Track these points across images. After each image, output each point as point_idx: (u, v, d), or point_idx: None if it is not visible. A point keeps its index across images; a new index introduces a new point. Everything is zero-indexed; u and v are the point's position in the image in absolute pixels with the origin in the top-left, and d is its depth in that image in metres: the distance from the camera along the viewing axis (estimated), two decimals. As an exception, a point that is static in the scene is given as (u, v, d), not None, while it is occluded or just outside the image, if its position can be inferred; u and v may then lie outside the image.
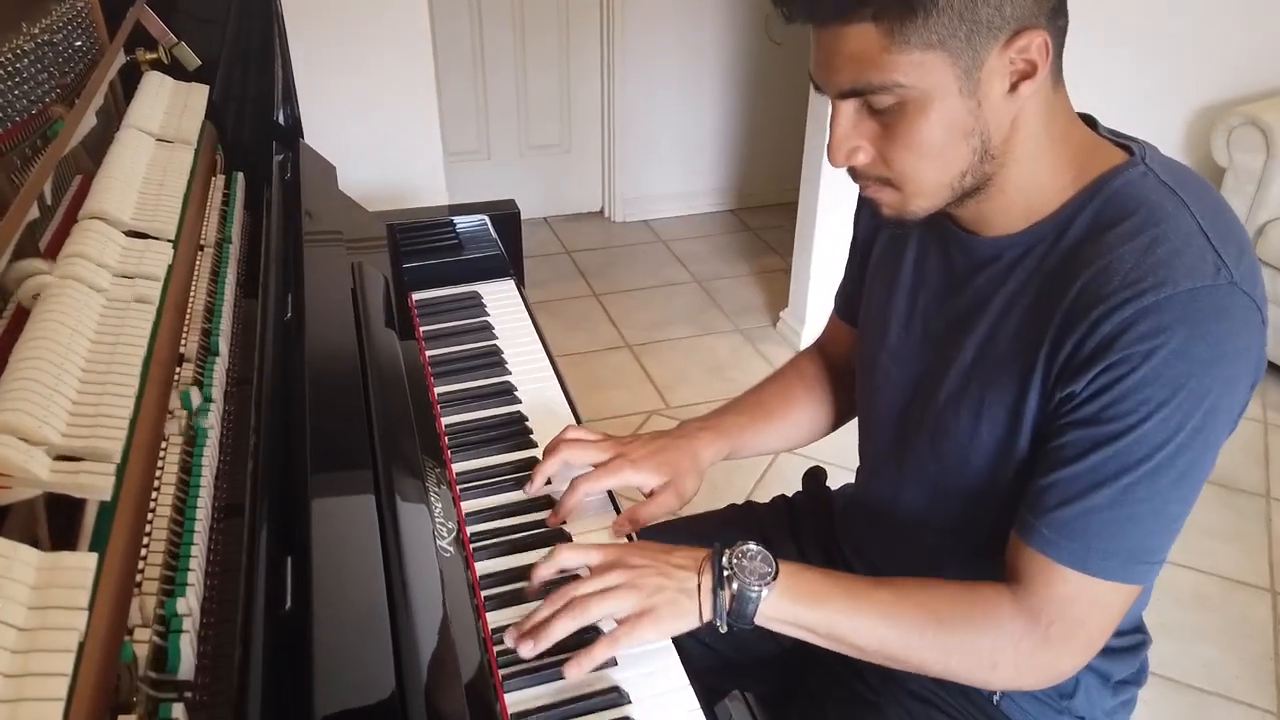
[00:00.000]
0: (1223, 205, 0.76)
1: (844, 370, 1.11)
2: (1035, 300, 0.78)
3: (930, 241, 0.89)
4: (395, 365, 0.93)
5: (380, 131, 2.05)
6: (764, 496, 1.22)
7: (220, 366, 0.80)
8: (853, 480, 1.10)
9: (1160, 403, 0.70)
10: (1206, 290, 0.69)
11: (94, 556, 0.46)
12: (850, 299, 1.06)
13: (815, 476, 1.19)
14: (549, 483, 0.96)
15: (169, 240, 0.80)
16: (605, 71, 3.28)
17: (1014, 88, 0.71)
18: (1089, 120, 0.81)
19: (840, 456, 1.23)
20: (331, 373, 0.83)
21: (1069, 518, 0.74)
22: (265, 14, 1.25)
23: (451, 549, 0.79)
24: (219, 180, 1.14)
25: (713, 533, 1.13)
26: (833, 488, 1.17)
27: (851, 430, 1.07)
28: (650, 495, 0.95)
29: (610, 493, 0.97)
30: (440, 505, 0.80)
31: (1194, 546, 2.01)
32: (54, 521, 0.57)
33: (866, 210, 1.00)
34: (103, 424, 0.56)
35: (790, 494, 1.19)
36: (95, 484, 0.50)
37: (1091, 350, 0.71)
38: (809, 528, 1.13)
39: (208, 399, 0.73)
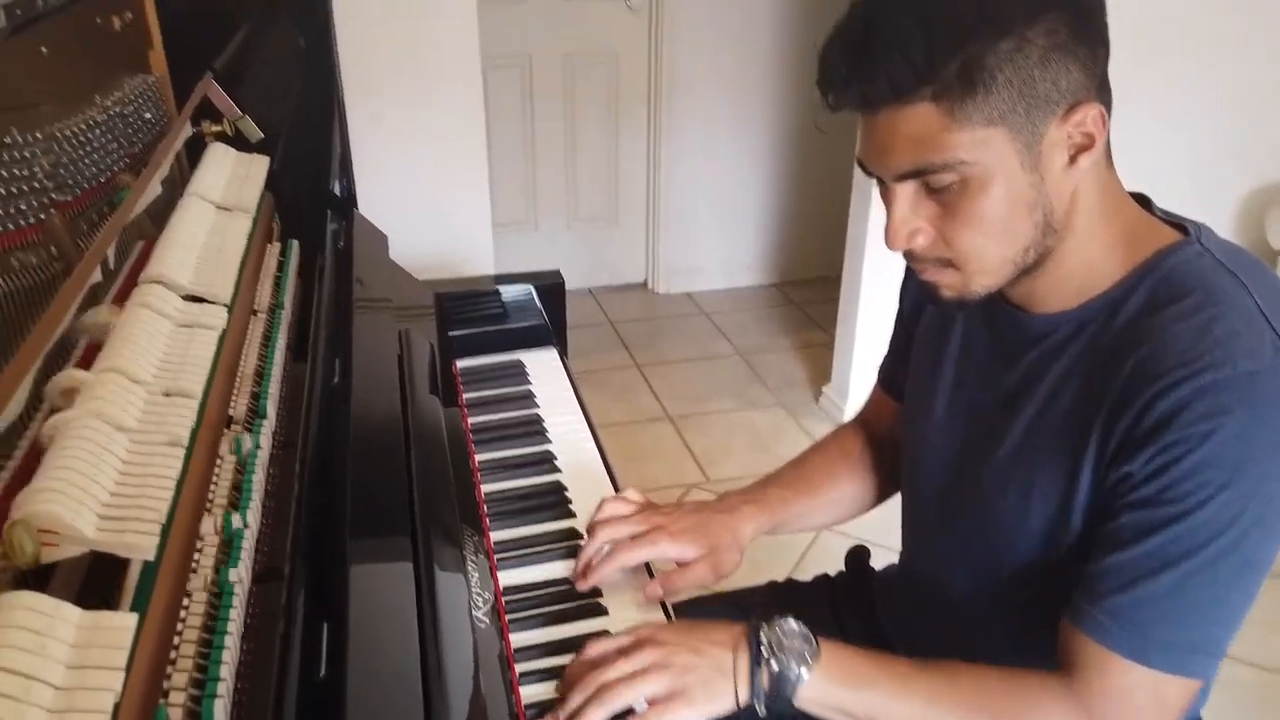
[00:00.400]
0: None
1: (887, 445, 1.09)
2: (1088, 378, 0.76)
3: (978, 315, 0.88)
4: (438, 432, 0.94)
5: (432, 203, 2.10)
6: (806, 575, 1.20)
7: (267, 429, 0.81)
8: (896, 560, 1.07)
9: (1220, 485, 0.68)
10: (1268, 373, 0.68)
11: (134, 617, 0.46)
12: (894, 372, 1.05)
13: (858, 556, 1.16)
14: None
15: (224, 305, 0.82)
16: (651, 146, 3.34)
17: (1073, 160, 0.71)
18: (1143, 200, 0.81)
19: (884, 536, 1.20)
20: (375, 439, 0.83)
21: (1126, 604, 0.71)
22: (326, 91, 1.30)
23: (486, 620, 0.78)
24: (274, 247, 1.18)
25: (752, 609, 1.10)
26: (876, 568, 1.15)
27: (896, 511, 1.05)
28: (686, 565, 0.93)
29: (648, 565, 0.96)
30: (477, 574, 0.79)
31: (1257, 641, 1.92)
32: (96, 579, 0.58)
33: (913, 282, 0.99)
34: (151, 484, 0.56)
35: (833, 573, 1.17)
36: (140, 543, 0.50)
37: (1148, 429, 0.69)
38: (851, 607, 1.10)
39: (257, 446, 0.73)
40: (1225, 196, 2.72)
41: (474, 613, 0.74)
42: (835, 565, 1.17)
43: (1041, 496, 0.79)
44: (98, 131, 0.88)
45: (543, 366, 1.34)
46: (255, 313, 1.01)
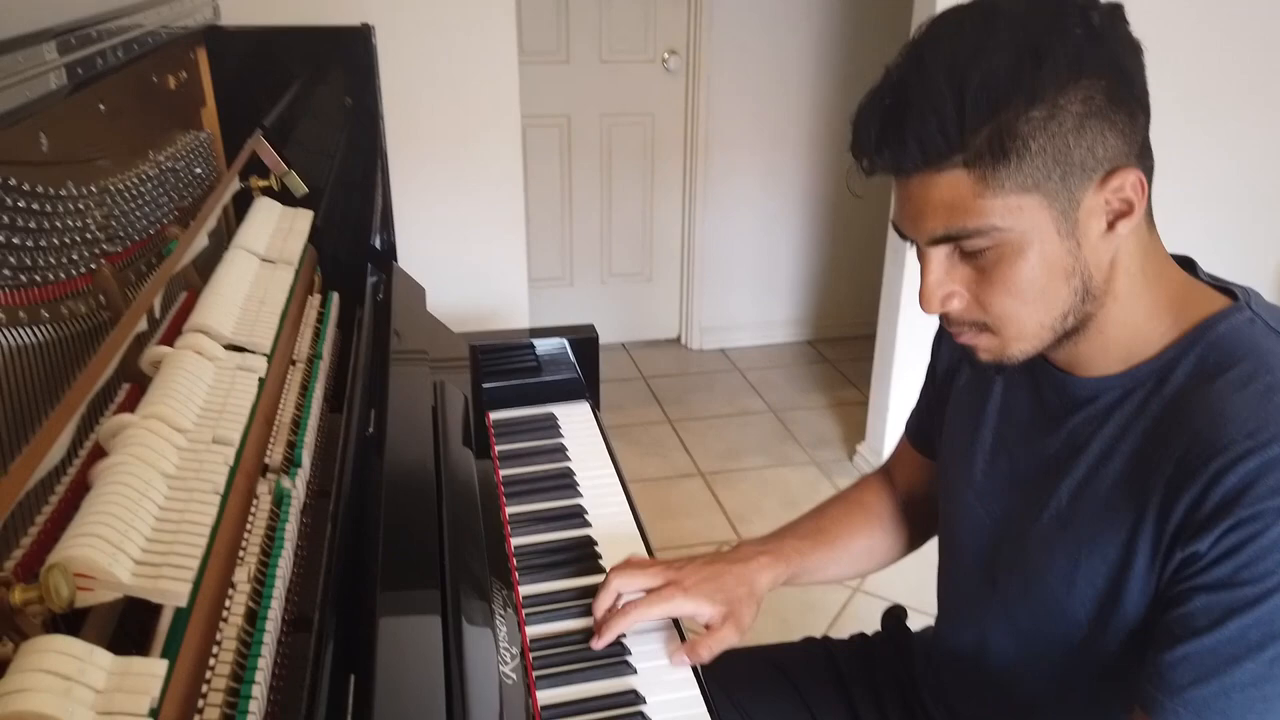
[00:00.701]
0: None
1: (910, 499, 1.08)
2: (1140, 448, 0.74)
3: (1020, 376, 0.86)
4: (470, 484, 0.94)
5: (471, 257, 2.13)
6: (839, 635, 1.17)
7: (301, 478, 0.82)
8: (932, 623, 1.05)
9: None
10: None
11: (163, 664, 0.46)
12: (924, 426, 1.04)
13: (895, 616, 1.14)
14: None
15: (264, 354, 0.83)
16: (686, 203, 3.38)
17: (1111, 226, 0.70)
18: (1188, 263, 0.80)
19: (920, 598, 1.18)
20: (407, 490, 0.83)
21: (1208, 696, 0.67)
22: (371, 149, 1.33)
23: (514, 675, 0.77)
24: (315, 299, 1.20)
25: (790, 666, 1.08)
26: (913, 629, 1.12)
27: (930, 571, 1.03)
28: (708, 628, 0.92)
29: (677, 622, 0.94)
30: (505, 629, 0.78)
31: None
32: (127, 623, 0.58)
33: (948, 340, 0.98)
34: (187, 531, 0.57)
35: (870, 633, 1.14)
36: (174, 590, 0.51)
37: (1215, 506, 0.67)
38: (887, 670, 1.07)
39: (287, 504, 0.74)
40: (1271, 262, 2.68)
41: (501, 668, 0.73)
42: (869, 626, 1.15)
43: (1089, 566, 0.77)
44: (149, 185, 0.91)
45: (575, 420, 1.34)
46: (294, 362, 1.03)
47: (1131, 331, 0.75)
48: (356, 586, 0.67)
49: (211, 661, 0.59)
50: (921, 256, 0.74)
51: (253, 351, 0.83)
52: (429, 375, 1.08)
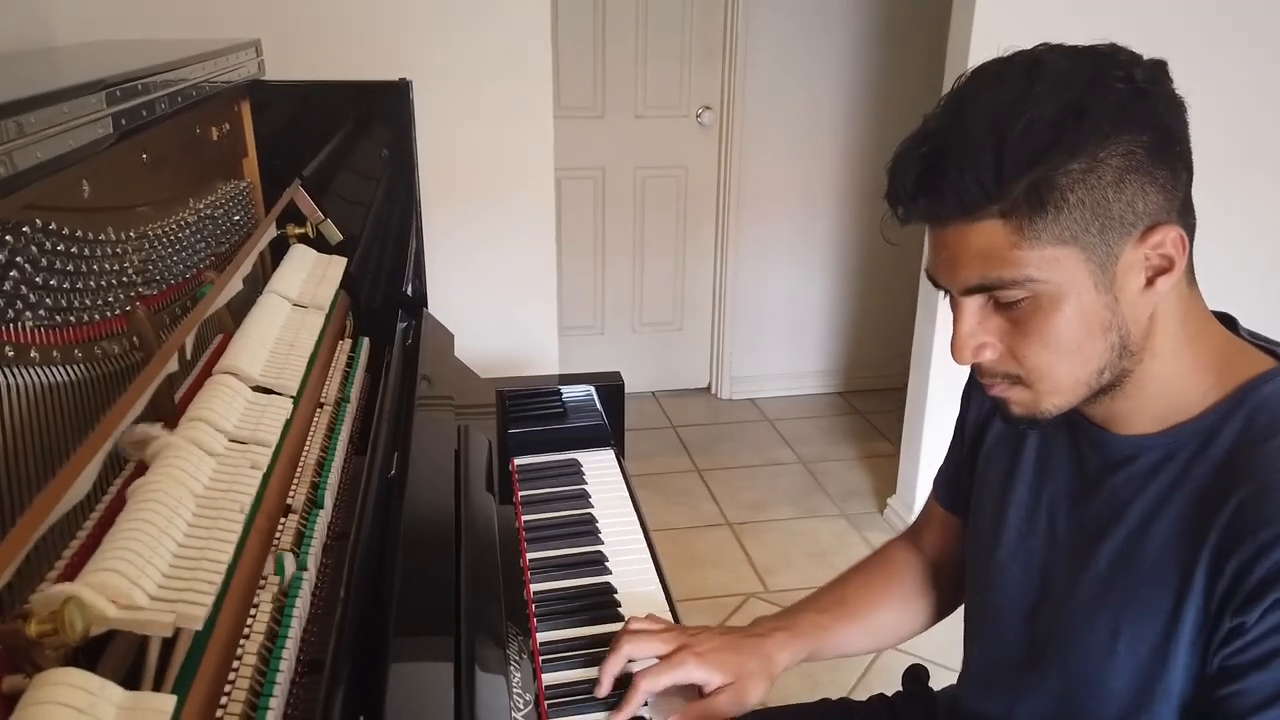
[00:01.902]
0: None
1: (939, 563, 1.05)
2: (1185, 513, 0.73)
3: (1058, 433, 0.84)
4: (489, 529, 0.95)
5: (503, 306, 2.16)
6: (864, 695, 1.15)
7: (323, 519, 0.83)
8: (955, 682, 1.02)
9: None
10: None
11: (172, 699, 0.46)
12: (954, 484, 1.02)
13: (916, 676, 1.11)
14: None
15: (291, 397, 0.85)
16: (718, 254, 3.40)
17: (1151, 282, 0.70)
18: (1229, 320, 0.79)
19: (947, 655, 1.15)
20: (427, 534, 0.84)
21: None
22: (406, 199, 1.36)
23: (527, 723, 0.77)
24: (346, 343, 1.23)
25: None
26: (936, 688, 1.09)
27: (954, 626, 1.00)
28: (708, 694, 0.89)
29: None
30: (519, 675, 0.78)
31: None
32: (143, 659, 0.59)
33: (978, 393, 0.96)
34: (205, 565, 0.58)
35: (890, 693, 1.12)
36: (191, 614, 0.51)
37: (1263, 578, 0.66)
38: (909, 731, 1.05)
39: (303, 566, 0.74)
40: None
41: (514, 715, 0.73)
42: (898, 683, 1.12)
43: (1132, 634, 0.75)
44: (187, 232, 0.94)
45: (599, 467, 1.35)
46: (322, 405, 1.05)
47: (1173, 389, 0.74)
48: (371, 630, 0.67)
49: (224, 700, 0.60)
50: (955, 306, 0.73)
51: (280, 394, 0.84)
52: (454, 420, 1.09)
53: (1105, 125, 0.66)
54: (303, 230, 1.25)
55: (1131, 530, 0.76)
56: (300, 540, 0.80)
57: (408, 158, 1.31)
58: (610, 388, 1.44)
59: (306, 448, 0.93)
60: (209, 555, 0.58)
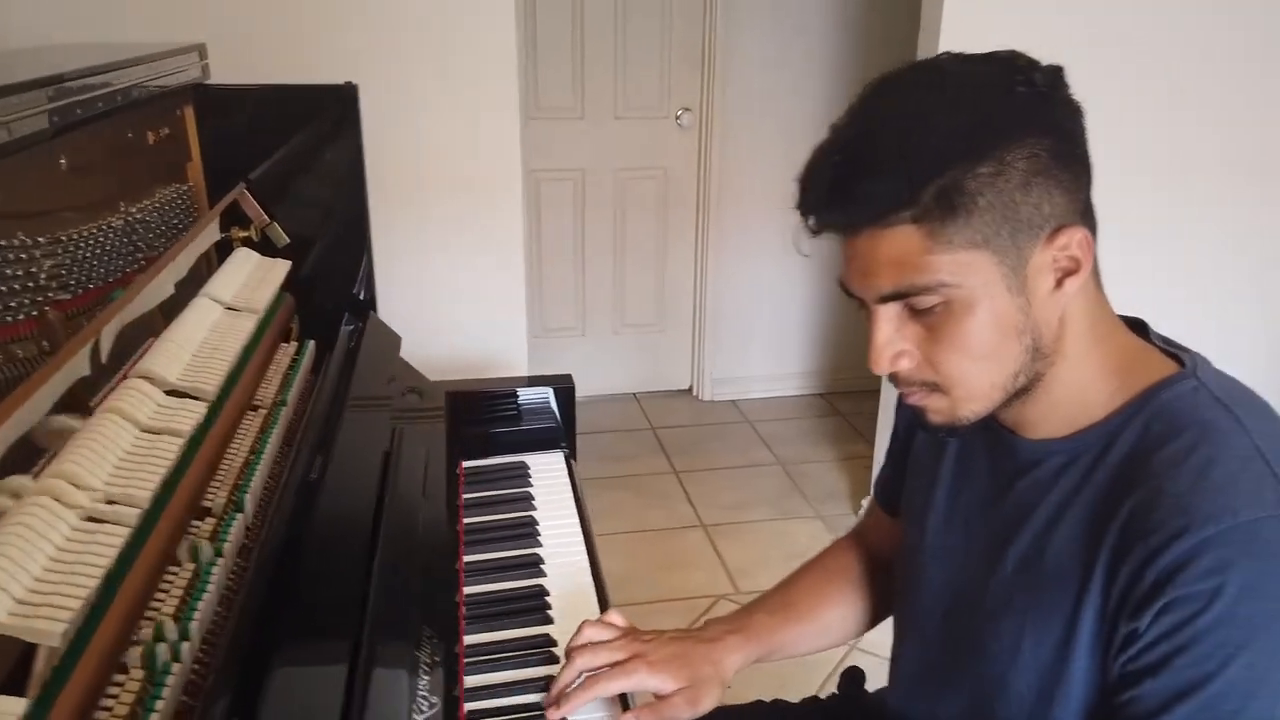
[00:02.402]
0: None
1: (881, 563, 1.06)
2: (1085, 517, 0.73)
3: (975, 440, 0.85)
4: (413, 532, 0.95)
5: (471, 308, 2.16)
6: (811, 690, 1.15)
7: (240, 524, 0.83)
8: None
9: (1239, 645, 0.64)
10: (1271, 521, 0.65)
11: (21, 702, 0.47)
12: (889, 486, 1.03)
13: (853, 678, 1.12)
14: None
15: (207, 401, 0.85)
16: (699, 255, 3.41)
17: (1059, 284, 0.70)
18: (1140, 325, 0.79)
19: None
20: (340, 537, 0.84)
21: None
22: (355, 202, 1.37)
23: (434, 725, 0.77)
24: (290, 347, 1.23)
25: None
26: (874, 690, 1.10)
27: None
28: (661, 698, 0.89)
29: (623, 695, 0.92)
30: (427, 679, 0.78)
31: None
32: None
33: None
34: (81, 569, 0.58)
35: (824, 695, 1.12)
36: (48, 630, 0.52)
37: (1151, 584, 0.66)
38: (839, 734, 1.05)
39: (208, 571, 0.75)
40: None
41: (416, 717, 0.73)
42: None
43: (1034, 639, 0.75)
44: (113, 236, 0.94)
45: (548, 469, 1.35)
46: (256, 408, 1.05)
47: (1078, 392, 0.75)
48: (263, 634, 0.68)
49: (110, 703, 0.60)
50: (870, 316, 0.73)
51: (196, 398, 0.85)
52: (389, 422, 1.09)
53: (1011, 129, 0.67)
54: (247, 233, 1.25)
55: (1036, 534, 0.77)
56: (216, 543, 0.81)
57: (355, 161, 1.32)
58: (560, 390, 1.44)
59: (233, 451, 0.94)
60: (85, 563, 0.58)
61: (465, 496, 1.26)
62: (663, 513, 2.77)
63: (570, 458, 1.41)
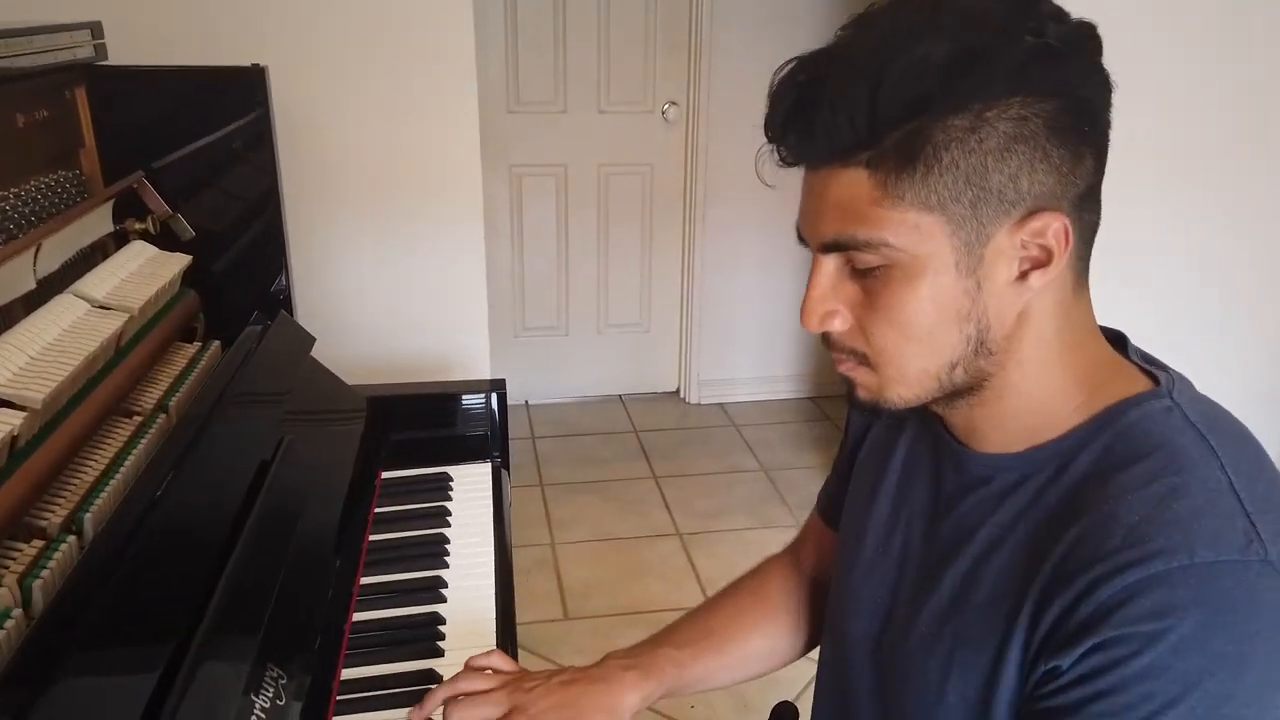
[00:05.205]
0: (1265, 463, 0.63)
1: (818, 581, 0.97)
2: (1026, 542, 0.65)
3: (924, 449, 0.77)
4: (281, 556, 0.86)
5: (425, 307, 2.07)
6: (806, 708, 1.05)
7: (70, 546, 0.75)
8: None
9: (1168, 701, 0.56)
10: (1232, 566, 0.56)
11: None
12: (834, 498, 0.93)
13: (782, 715, 1.02)
14: None
15: (30, 409, 0.76)
16: (686, 253, 3.31)
17: (1023, 276, 0.61)
18: (1119, 339, 0.70)
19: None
20: (180, 559, 0.76)
21: None
22: (266, 193, 1.28)
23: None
24: (189, 348, 1.14)
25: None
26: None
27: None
28: None
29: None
30: (263, 716, 0.69)
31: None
32: None
33: None
34: None
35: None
36: None
37: (1085, 618, 0.58)
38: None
39: (26, 599, 0.66)
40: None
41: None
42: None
43: (960, 676, 0.67)
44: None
45: (471, 482, 1.26)
46: (132, 415, 0.97)
47: (1036, 405, 0.66)
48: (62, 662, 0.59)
49: None
50: (813, 265, 0.65)
51: (21, 408, 0.76)
52: (274, 430, 1.01)
53: (999, 80, 0.57)
54: (144, 226, 1.17)
55: (974, 558, 0.68)
56: (33, 570, 0.72)
57: (267, 149, 1.23)
58: (491, 395, 1.35)
59: (86, 465, 0.85)
60: None
61: (376, 511, 1.18)
62: (637, 520, 2.67)
63: (503, 468, 1.32)
